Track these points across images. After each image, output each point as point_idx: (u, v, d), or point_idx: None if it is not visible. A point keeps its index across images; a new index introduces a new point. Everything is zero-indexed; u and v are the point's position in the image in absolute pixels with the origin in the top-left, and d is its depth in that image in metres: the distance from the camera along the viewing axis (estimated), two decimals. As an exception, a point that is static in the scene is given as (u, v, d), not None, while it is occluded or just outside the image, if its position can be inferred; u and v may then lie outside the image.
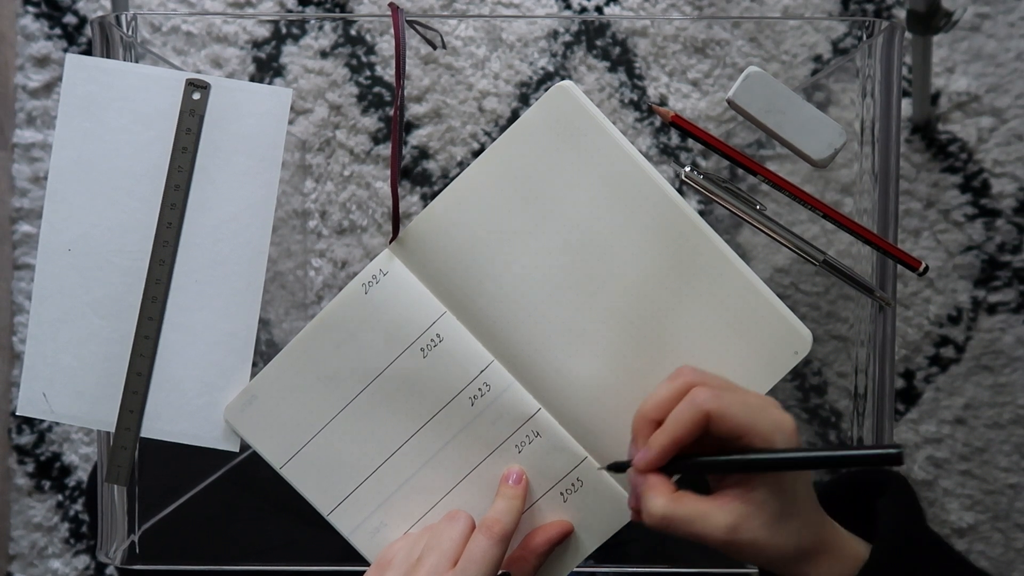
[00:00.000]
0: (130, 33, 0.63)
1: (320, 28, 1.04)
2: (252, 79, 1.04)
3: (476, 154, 1.04)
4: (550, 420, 0.58)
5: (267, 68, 1.04)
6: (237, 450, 0.60)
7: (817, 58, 1.04)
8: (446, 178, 1.04)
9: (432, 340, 0.58)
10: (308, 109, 1.04)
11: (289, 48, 1.04)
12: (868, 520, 0.53)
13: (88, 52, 0.70)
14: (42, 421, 1.07)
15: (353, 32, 1.04)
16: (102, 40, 0.62)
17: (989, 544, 1.05)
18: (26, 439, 1.07)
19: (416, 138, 1.04)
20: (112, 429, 0.60)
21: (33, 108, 1.07)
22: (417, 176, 1.04)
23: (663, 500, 0.49)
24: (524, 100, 1.04)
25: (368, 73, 1.04)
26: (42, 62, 1.07)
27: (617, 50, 1.04)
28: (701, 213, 0.59)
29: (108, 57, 0.62)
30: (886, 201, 0.62)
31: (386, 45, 1.04)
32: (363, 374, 0.58)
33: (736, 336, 0.57)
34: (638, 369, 0.58)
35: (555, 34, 1.04)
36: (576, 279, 0.58)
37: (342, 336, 0.58)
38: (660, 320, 0.58)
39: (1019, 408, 1.04)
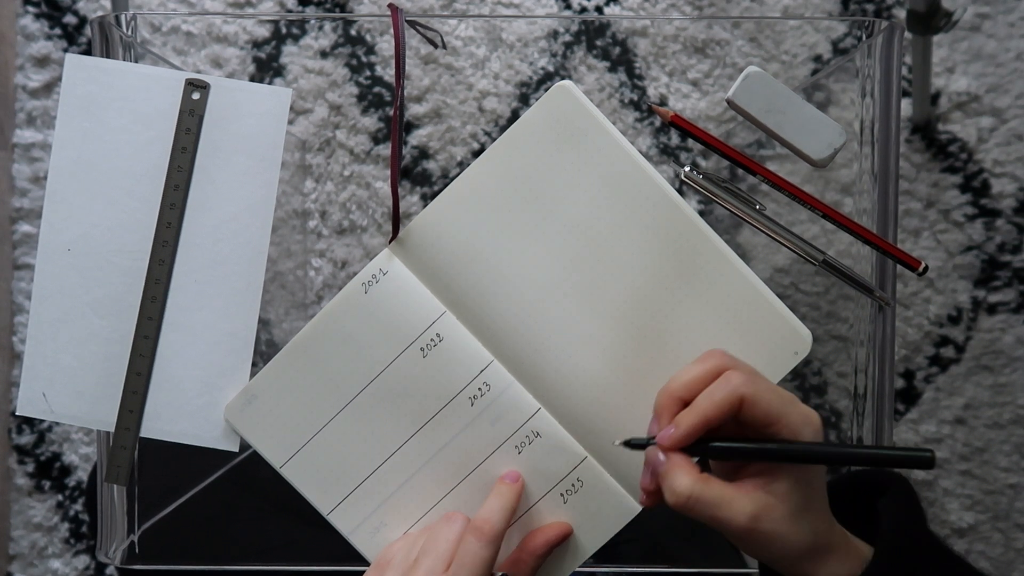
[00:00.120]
0: (130, 33, 0.63)
1: (320, 28, 1.04)
2: (252, 79, 1.04)
3: (476, 154, 1.04)
4: (550, 420, 0.58)
5: (267, 68, 1.04)
6: (237, 450, 0.60)
7: (817, 58, 1.04)
8: (446, 178, 1.04)
9: (432, 340, 0.58)
10: (308, 109, 1.04)
11: (289, 48, 1.04)
12: (868, 520, 0.53)
13: (88, 52, 0.70)
14: (42, 421, 1.07)
15: (353, 32, 1.04)
16: (102, 40, 0.62)
17: (989, 544, 1.05)
18: (26, 439, 1.07)
19: (416, 138, 1.04)
20: (112, 429, 0.60)
21: (33, 108, 1.07)
22: (417, 176, 1.04)
23: (690, 480, 0.48)
24: (524, 100, 1.04)
25: (368, 73, 1.04)
26: (42, 62, 1.07)
27: (617, 50, 1.04)
28: (701, 213, 0.59)
29: (108, 57, 0.62)
30: (886, 201, 0.62)
31: (386, 45, 1.04)
32: (363, 373, 0.58)
33: (736, 336, 0.57)
34: (638, 369, 0.58)
35: (555, 34, 1.04)
36: (576, 279, 0.58)
37: (342, 336, 0.58)
38: (660, 320, 0.58)
39: (1019, 408, 1.04)
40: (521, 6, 1.06)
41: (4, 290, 1.07)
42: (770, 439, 0.49)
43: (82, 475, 1.08)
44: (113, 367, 0.60)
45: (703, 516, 0.48)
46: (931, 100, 1.03)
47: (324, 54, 1.04)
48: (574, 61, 1.04)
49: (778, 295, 0.58)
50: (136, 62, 0.62)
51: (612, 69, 1.04)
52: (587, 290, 0.58)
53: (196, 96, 0.59)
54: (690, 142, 1.02)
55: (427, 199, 1.04)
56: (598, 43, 1.04)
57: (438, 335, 0.58)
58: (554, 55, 1.04)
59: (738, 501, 0.48)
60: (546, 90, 0.58)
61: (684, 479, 0.48)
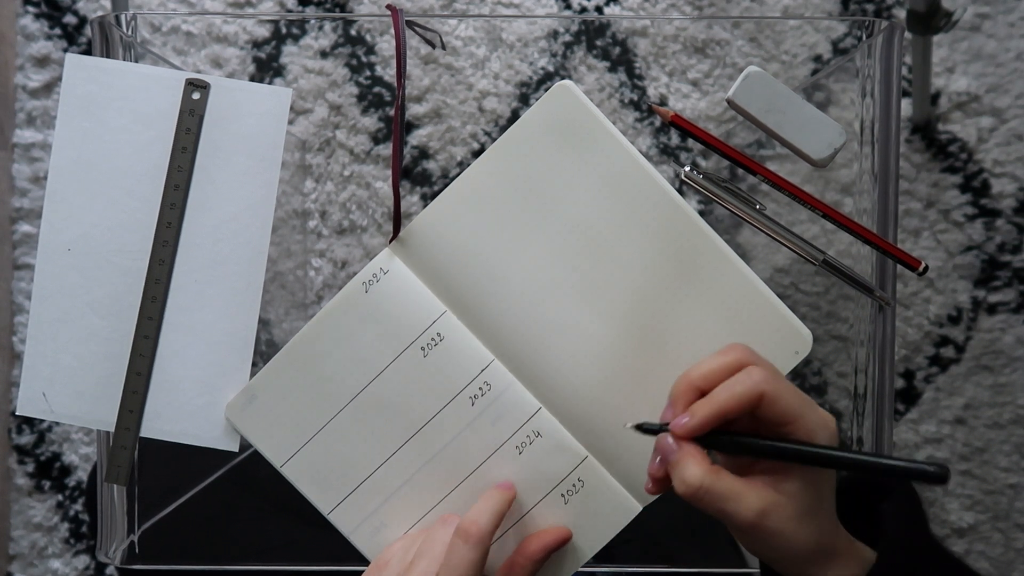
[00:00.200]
0: (130, 33, 0.63)
1: (320, 28, 1.04)
2: (252, 79, 1.04)
3: (476, 154, 1.04)
4: (551, 419, 0.58)
5: (267, 68, 1.04)
6: (237, 450, 0.60)
7: (817, 58, 1.04)
8: (446, 178, 1.04)
9: (432, 339, 0.58)
10: (308, 109, 1.04)
11: (289, 48, 1.04)
12: (870, 523, 0.53)
13: (88, 52, 0.70)
14: (42, 421, 1.07)
15: (353, 32, 1.04)
16: (102, 40, 0.62)
17: (989, 544, 1.05)
18: (26, 439, 1.07)
19: (416, 138, 1.04)
20: (112, 429, 0.60)
21: (33, 108, 1.07)
22: (417, 176, 1.04)
23: (701, 471, 0.48)
24: (524, 100, 1.04)
25: (368, 73, 1.04)
26: (42, 62, 1.07)
27: (617, 50, 1.04)
28: (701, 213, 0.59)
29: (108, 57, 0.62)
30: (886, 201, 0.62)
31: (386, 45, 1.04)
32: (364, 373, 0.58)
33: (736, 336, 0.57)
34: (638, 368, 0.58)
35: (555, 34, 1.04)
36: (576, 279, 0.58)
37: (342, 335, 0.58)
38: (660, 319, 0.58)
39: (1019, 408, 1.04)
40: (521, 6, 1.06)
41: (4, 290, 1.07)
42: (784, 439, 0.48)
43: (82, 475, 1.08)
44: (113, 367, 0.60)
45: (711, 508, 0.48)
46: (931, 100, 1.03)
47: (324, 54, 1.04)
48: (574, 61, 1.04)
49: (778, 295, 0.58)
50: (136, 62, 0.62)
51: (612, 69, 1.04)
52: (588, 290, 0.58)
53: (196, 96, 0.59)
54: (690, 142, 1.02)
55: (427, 199, 1.04)
56: (598, 43, 1.04)
57: (439, 335, 0.58)
58: (554, 55, 1.04)
59: (747, 496, 0.48)
60: (546, 90, 0.58)
61: (695, 469, 0.48)
